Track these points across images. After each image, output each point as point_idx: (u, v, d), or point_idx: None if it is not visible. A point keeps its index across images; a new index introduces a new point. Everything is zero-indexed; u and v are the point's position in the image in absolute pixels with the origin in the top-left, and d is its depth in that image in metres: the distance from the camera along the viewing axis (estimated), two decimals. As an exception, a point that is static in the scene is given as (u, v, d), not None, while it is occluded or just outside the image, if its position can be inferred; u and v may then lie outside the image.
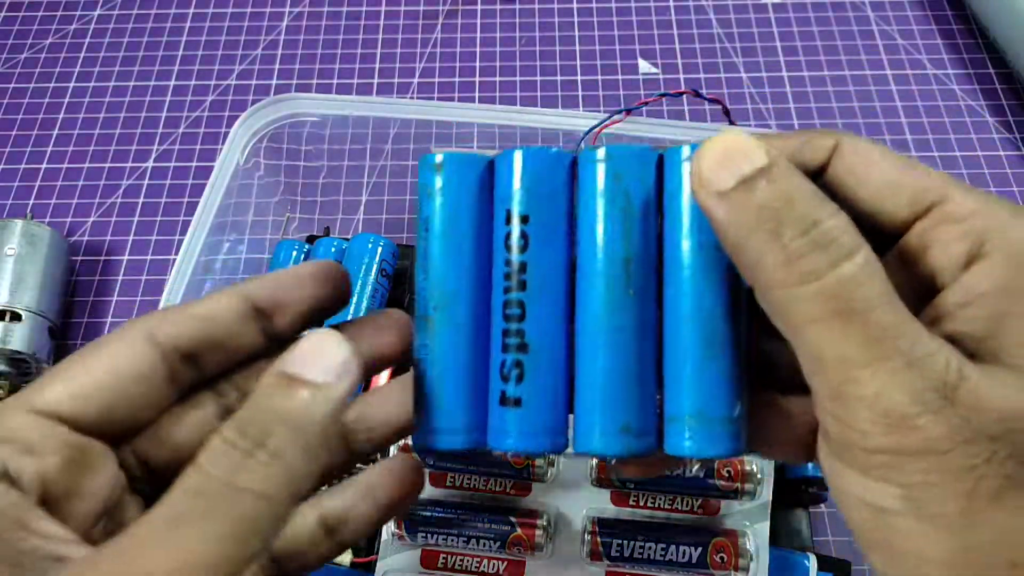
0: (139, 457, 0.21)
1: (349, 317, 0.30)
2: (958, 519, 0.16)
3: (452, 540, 0.33)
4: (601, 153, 0.19)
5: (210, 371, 0.21)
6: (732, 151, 0.17)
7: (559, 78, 0.57)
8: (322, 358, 0.18)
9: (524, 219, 0.19)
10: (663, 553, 0.32)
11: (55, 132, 0.55)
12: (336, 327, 0.22)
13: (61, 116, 0.55)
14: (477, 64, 0.57)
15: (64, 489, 0.19)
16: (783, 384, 0.20)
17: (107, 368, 0.19)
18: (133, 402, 0.20)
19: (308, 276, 0.22)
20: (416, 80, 0.57)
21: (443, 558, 0.34)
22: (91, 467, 0.19)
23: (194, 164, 0.53)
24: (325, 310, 0.22)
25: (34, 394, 0.19)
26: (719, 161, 0.17)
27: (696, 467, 0.32)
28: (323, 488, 0.24)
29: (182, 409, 0.21)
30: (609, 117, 0.40)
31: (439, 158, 0.20)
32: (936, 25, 0.59)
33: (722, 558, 0.32)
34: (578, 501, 0.34)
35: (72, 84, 0.57)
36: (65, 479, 0.19)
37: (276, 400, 0.17)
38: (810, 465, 0.35)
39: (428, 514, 0.33)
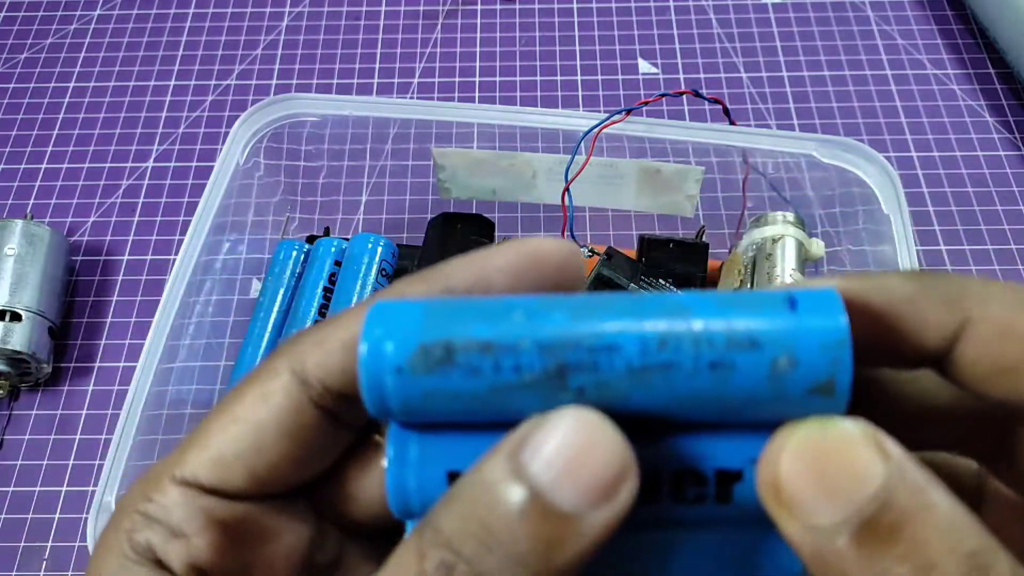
0: (331, 511, 0.17)
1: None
2: None
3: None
4: None
5: None
6: (834, 460, 0.12)
7: (559, 78, 0.57)
8: (583, 463, 0.12)
9: None
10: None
11: (55, 132, 0.55)
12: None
13: (61, 116, 0.55)
14: (477, 64, 0.57)
15: (227, 571, 0.15)
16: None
17: (245, 423, 0.15)
18: (286, 458, 0.15)
19: (507, 273, 0.15)
20: (416, 80, 0.57)
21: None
22: (262, 538, 0.16)
23: (194, 164, 0.53)
24: None
25: (179, 458, 0.16)
26: (813, 476, 0.12)
27: None
28: None
29: (366, 453, 0.17)
30: (609, 117, 0.40)
31: None
32: (936, 25, 0.59)
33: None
34: None
35: (72, 84, 0.57)
36: (224, 560, 0.15)
37: (502, 521, 0.12)
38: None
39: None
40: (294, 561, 0.16)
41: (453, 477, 0.14)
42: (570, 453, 0.12)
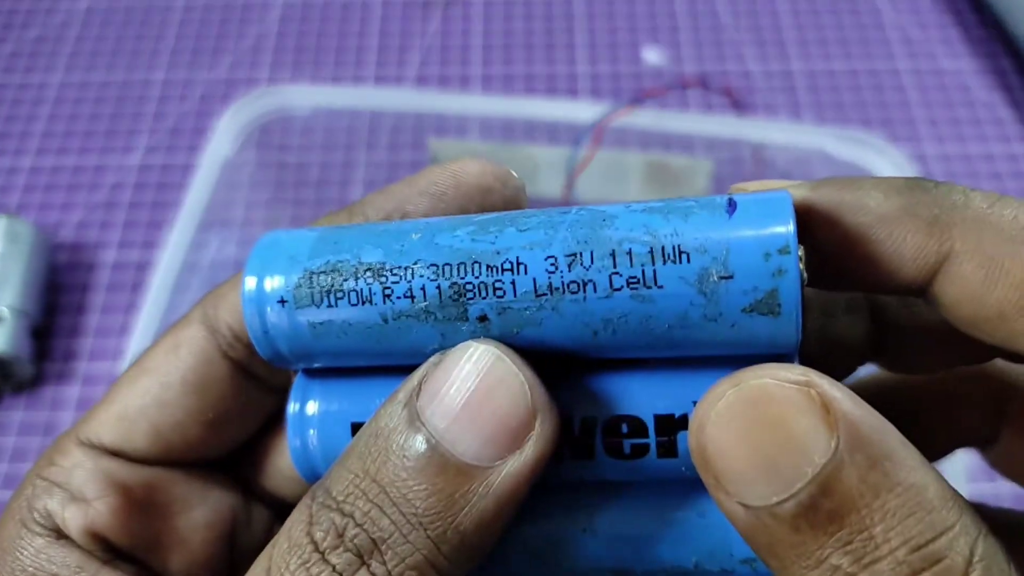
0: (258, 488, 0.16)
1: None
2: None
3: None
4: None
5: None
6: (769, 432, 0.10)
7: (563, 68, 0.55)
8: (484, 406, 0.11)
9: None
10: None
11: (40, 127, 0.53)
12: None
13: (47, 110, 0.54)
14: (478, 53, 0.56)
15: (133, 540, 0.14)
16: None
17: (151, 375, 0.14)
18: (193, 416, 0.14)
19: (426, 196, 0.14)
20: (415, 70, 0.55)
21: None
22: (173, 508, 0.14)
23: (183, 159, 0.52)
24: None
25: (86, 417, 0.15)
26: (743, 450, 0.10)
27: None
28: None
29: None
30: (615, 109, 0.39)
31: None
32: (949, 16, 0.57)
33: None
34: None
35: (58, 79, 0.56)
36: (129, 527, 0.14)
37: (396, 476, 0.11)
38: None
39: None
40: (211, 536, 0.15)
41: (357, 429, 0.12)
42: (469, 396, 0.11)
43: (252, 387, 0.15)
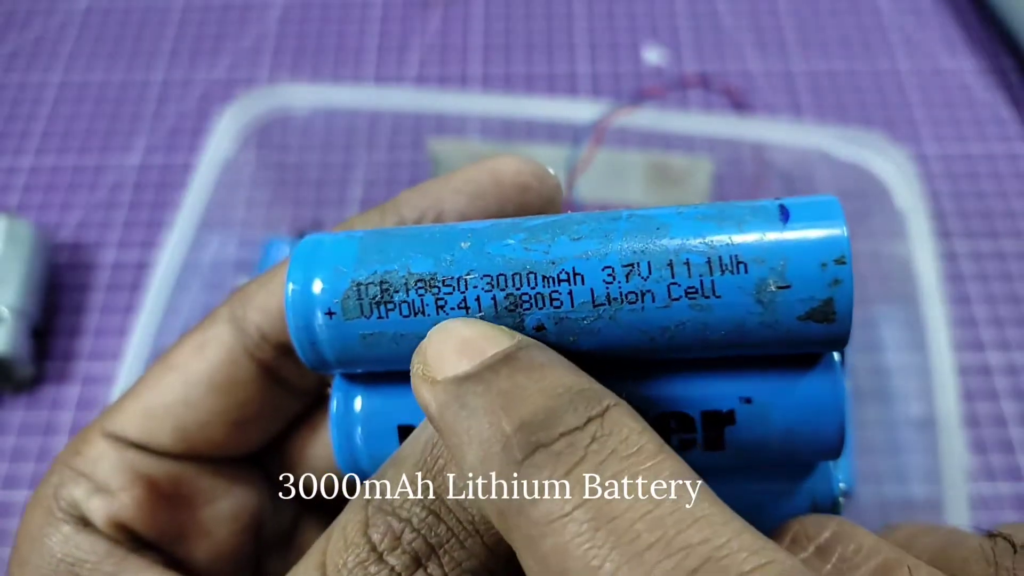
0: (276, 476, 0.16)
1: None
2: None
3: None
4: None
5: None
6: (471, 337, 0.11)
7: (563, 68, 0.55)
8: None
9: None
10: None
11: (40, 127, 0.53)
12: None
13: (46, 110, 0.54)
14: (478, 53, 0.56)
15: (158, 531, 0.14)
16: None
17: (177, 372, 0.14)
18: (218, 416, 0.14)
19: (463, 195, 0.14)
20: (416, 68, 0.55)
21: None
22: (199, 500, 0.15)
23: (182, 159, 0.51)
24: None
25: (112, 409, 0.15)
26: (453, 347, 0.11)
27: None
28: None
29: (320, 417, 0.16)
30: (616, 108, 0.39)
31: None
32: (950, 15, 0.57)
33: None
34: None
35: (57, 78, 0.55)
36: (154, 519, 0.14)
37: (456, 488, 0.11)
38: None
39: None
40: (236, 528, 0.15)
41: (404, 431, 0.13)
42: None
43: (278, 389, 0.15)
